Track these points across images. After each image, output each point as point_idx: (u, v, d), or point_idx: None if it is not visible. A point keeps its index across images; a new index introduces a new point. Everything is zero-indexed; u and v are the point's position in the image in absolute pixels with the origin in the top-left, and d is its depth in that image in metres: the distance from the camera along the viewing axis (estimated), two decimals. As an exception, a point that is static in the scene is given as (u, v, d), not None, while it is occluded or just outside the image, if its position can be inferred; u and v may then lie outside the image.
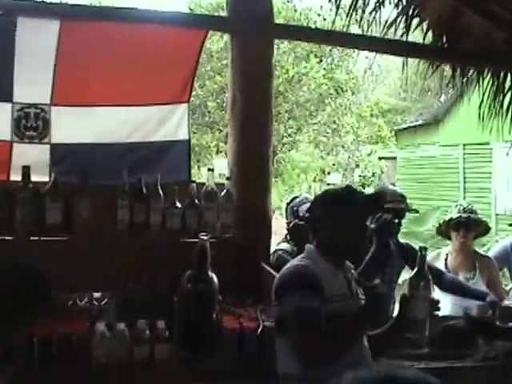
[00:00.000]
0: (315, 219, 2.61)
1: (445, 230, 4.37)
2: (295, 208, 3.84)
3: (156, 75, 3.60)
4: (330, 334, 2.31)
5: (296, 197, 4.01)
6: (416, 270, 2.53)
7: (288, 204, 3.98)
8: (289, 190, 11.77)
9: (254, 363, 2.80)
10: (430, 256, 4.81)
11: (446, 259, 4.40)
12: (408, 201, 3.94)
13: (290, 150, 12.76)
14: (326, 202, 2.61)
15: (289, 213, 3.95)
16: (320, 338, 2.29)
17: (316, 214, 2.61)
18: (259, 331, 2.81)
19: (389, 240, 3.81)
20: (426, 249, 2.60)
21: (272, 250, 3.81)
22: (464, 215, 4.19)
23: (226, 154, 12.87)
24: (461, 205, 4.35)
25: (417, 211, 4.10)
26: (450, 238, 4.41)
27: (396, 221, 3.72)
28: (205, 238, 2.80)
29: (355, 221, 2.54)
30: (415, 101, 21.85)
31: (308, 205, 3.58)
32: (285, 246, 3.84)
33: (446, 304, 4.16)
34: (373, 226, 3.69)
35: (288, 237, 3.90)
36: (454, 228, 4.27)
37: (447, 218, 4.29)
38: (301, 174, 13.59)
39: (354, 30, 4.61)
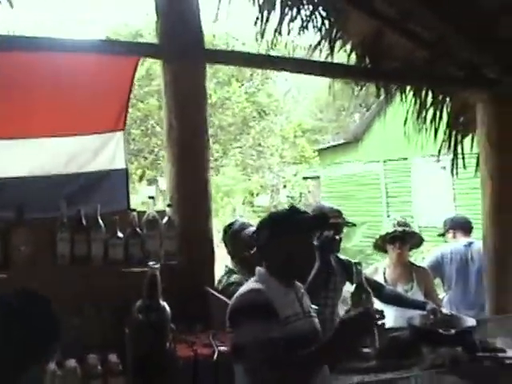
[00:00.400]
0: (263, 242, 2.59)
1: (381, 244, 4.49)
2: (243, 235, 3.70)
3: (90, 104, 3.54)
4: (291, 360, 2.29)
5: (231, 224, 3.95)
6: (355, 285, 2.57)
7: (226, 232, 3.89)
8: (213, 215, 11.73)
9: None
10: (367, 271, 4.92)
11: (384, 273, 4.51)
12: (344, 215, 4.02)
13: (217, 174, 12.78)
14: (272, 224, 2.61)
15: (232, 241, 3.86)
16: (281, 367, 2.27)
17: (263, 236, 2.59)
18: (215, 357, 2.78)
19: (330, 257, 3.88)
20: (360, 263, 2.66)
21: (217, 276, 3.77)
22: (399, 229, 4.33)
23: (149, 181, 12.67)
24: (395, 219, 4.48)
25: (354, 224, 4.18)
26: (386, 252, 4.53)
27: (337, 237, 3.79)
28: (155, 266, 2.75)
29: (302, 241, 2.56)
30: (331, 120, 22.42)
31: (251, 229, 3.59)
32: (237, 277, 3.75)
33: (389, 316, 4.25)
34: (315, 243, 3.74)
35: (236, 267, 3.81)
36: (389, 242, 4.40)
37: (383, 232, 4.41)
38: (224, 198, 13.61)
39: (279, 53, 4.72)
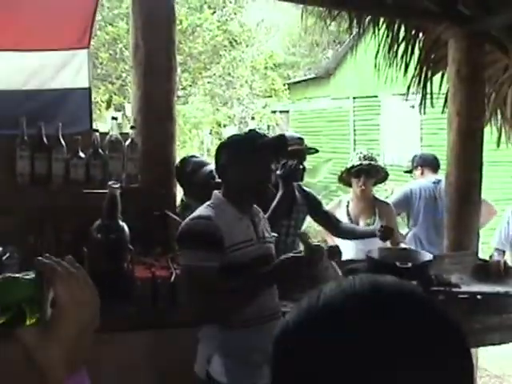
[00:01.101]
0: (222, 165, 2.60)
1: (346, 177, 4.48)
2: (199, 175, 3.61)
3: (52, 19, 3.43)
4: (231, 286, 2.35)
5: (183, 162, 3.85)
6: (305, 248, 2.59)
7: (179, 170, 3.72)
8: (181, 146, 11.65)
9: (168, 312, 2.79)
10: (331, 204, 4.96)
11: (347, 206, 4.53)
12: (305, 142, 4.01)
13: (184, 104, 12.60)
14: (232, 147, 2.61)
15: (187, 181, 3.77)
16: (210, 296, 2.33)
17: (222, 159, 2.59)
18: (172, 279, 2.79)
19: (293, 185, 3.88)
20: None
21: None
22: (365, 162, 4.32)
23: (116, 107, 12.42)
24: (361, 152, 4.47)
25: (316, 150, 4.14)
26: (350, 186, 4.54)
27: (300, 166, 3.78)
28: (115, 186, 2.73)
29: (261, 164, 2.56)
30: (304, 56, 22.15)
31: (207, 168, 3.55)
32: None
33: (350, 250, 4.34)
34: (279, 172, 3.74)
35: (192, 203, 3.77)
36: (354, 175, 4.39)
37: (349, 165, 4.40)
38: (192, 130, 13.46)
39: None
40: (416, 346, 0.72)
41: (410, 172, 5.69)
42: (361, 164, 4.32)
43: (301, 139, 3.91)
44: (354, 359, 0.71)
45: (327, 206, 4.68)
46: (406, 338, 0.72)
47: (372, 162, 4.36)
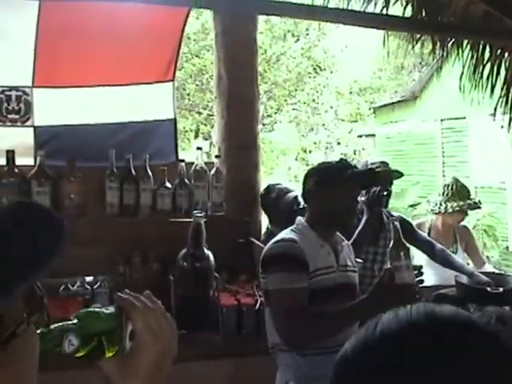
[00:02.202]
0: (308, 191, 2.60)
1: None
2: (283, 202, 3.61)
3: (140, 54, 3.56)
4: (318, 312, 2.31)
5: (268, 189, 3.87)
6: (392, 241, 2.51)
7: (263, 198, 3.73)
8: (268, 172, 11.76)
9: (253, 339, 2.80)
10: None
11: (429, 233, 4.45)
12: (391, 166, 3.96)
13: (270, 131, 12.74)
14: (321, 174, 2.60)
15: (272, 209, 3.71)
16: (302, 319, 2.29)
17: (310, 185, 2.60)
18: (257, 306, 2.80)
19: (381, 211, 3.84)
20: (397, 219, 2.65)
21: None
22: (473, 199, 4.27)
23: (204, 137, 12.71)
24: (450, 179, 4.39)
25: (401, 173, 4.07)
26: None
27: (385, 192, 3.74)
28: (199, 215, 2.78)
29: (347, 195, 2.55)
30: (390, 79, 21.91)
31: (290, 195, 3.57)
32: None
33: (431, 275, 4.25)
34: (363, 198, 3.72)
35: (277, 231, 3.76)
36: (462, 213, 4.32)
37: (457, 207, 4.31)
38: (279, 156, 13.58)
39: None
40: (474, 378, 0.71)
41: None
42: (467, 203, 4.26)
43: (384, 163, 3.86)
44: None
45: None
46: (461, 368, 0.71)
47: (475, 200, 4.32)
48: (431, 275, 4.06)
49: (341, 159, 2.81)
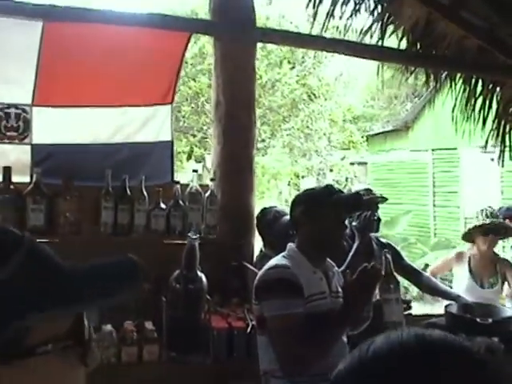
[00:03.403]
0: (296, 218, 2.62)
1: (473, 234, 4.43)
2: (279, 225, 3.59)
3: (139, 77, 3.59)
4: (311, 335, 2.31)
5: (264, 211, 3.92)
6: (384, 273, 2.55)
7: (259, 220, 3.76)
8: (259, 196, 11.79)
9: (243, 363, 2.81)
10: (449, 255, 4.92)
11: (469, 262, 4.47)
12: (375, 192, 4.02)
13: (263, 155, 12.82)
14: (307, 200, 2.62)
15: (266, 231, 3.71)
16: (301, 344, 2.30)
17: (296, 212, 2.61)
18: (249, 330, 2.82)
19: (370, 238, 3.88)
20: (389, 252, 2.69)
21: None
22: (495, 221, 4.29)
23: (196, 159, 12.73)
24: (487, 209, 4.41)
25: (385, 199, 4.10)
26: (473, 242, 4.46)
27: (375, 217, 3.78)
28: (194, 237, 2.80)
29: (335, 220, 2.55)
30: (382, 108, 22.12)
31: (286, 218, 3.58)
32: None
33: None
34: (355, 223, 3.77)
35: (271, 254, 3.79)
36: (483, 233, 4.33)
37: (477, 223, 4.34)
38: (271, 180, 13.64)
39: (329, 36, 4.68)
40: None
41: None
42: (491, 222, 4.28)
43: (368, 190, 3.92)
44: None
45: (443, 257, 4.69)
46: None
47: (500, 221, 4.35)
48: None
49: (326, 185, 2.82)
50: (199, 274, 2.81)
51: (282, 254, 2.61)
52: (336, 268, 2.73)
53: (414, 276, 4.10)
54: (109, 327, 2.92)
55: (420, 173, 13.89)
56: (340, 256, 2.83)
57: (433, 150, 13.45)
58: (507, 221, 5.35)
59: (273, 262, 2.55)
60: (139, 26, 3.54)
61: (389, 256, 2.63)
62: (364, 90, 22.17)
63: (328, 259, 2.67)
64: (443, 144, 12.57)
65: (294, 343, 2.30)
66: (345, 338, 2.52)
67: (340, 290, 2.63)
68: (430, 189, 13.53)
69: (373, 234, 4.04)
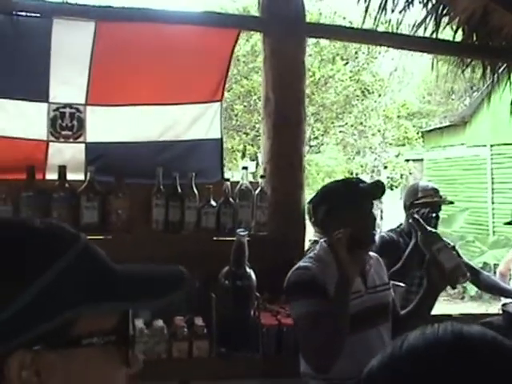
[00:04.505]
0: (321, 220, 2.56)
1: None
2: None
3: (189, 75, 3.62)
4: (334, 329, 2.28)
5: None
6: (420, 231, 2.63)
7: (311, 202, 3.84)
8: (312, 194, 11.73)
9: (292, 360, 2.79)
10: (509, 255, 4.89)
11: None
12: (441, 193, 3.94)
13: (317, 153, 12.76)
14: (327, 201, 2.55)
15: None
16: (320, 342, 2.27)
17: (320, 215, 2.55)
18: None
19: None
20: (416, 212, 2.85)
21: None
22: None
23: (250, 157, 12.79)
24: None
25: (452, 202, 4.03)
26: None
27: (433, 215, 3.72)
28: (242, 233, 2.80)
29: (362, 213, 2.49)
30: (440, 104, 21.72)
31: None
32: None
33: None
34: (411, 220, 3.71)
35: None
36: None
37: None
38: (325, 178, 13.56)
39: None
40: None
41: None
42: None
43: (435, 190, 3.84)
44: None
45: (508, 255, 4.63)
46: None
47: None
48: None
49: (343, 178, 2.77)
50: (248, 270, 2.81)
51: (311, 254, 2.58)
52: (373, 258, 2.66)
53: (473, 274, 4.02)
54: (160, 322, 2.94)
55: (478, 169, 13.58)
56: (371, 248, 2.73)
57: (491, 145, 13.13)
58: None
59: (299, 263, 2.54)
60: (188, 24, 3.57)
61: (416, 216, 2.72)
62: (420, 86, 21.83)
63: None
64: (502, 139, 12.26)
65: (314, 340, 2.29)
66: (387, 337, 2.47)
67: (378, 282, 2.58)
68: (488, 185, 13.21)
69: None
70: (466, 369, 0.73)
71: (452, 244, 2.66)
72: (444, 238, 2.62)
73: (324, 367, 2.33)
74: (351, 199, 2.47)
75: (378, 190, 2.58)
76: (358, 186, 2.53)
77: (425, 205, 3.72)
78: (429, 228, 2.62)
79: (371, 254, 2.65)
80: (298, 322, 2.40)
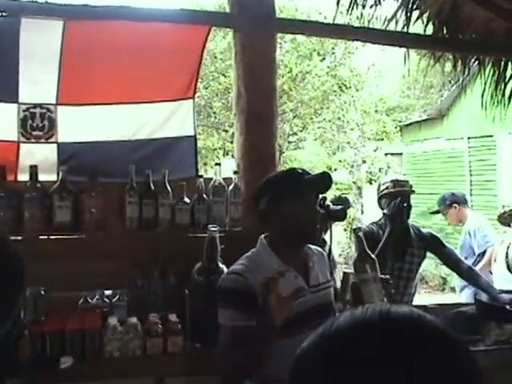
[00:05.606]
0: (263, 212, 2.44)
1: (508, 218, 4.46)
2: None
3: (160, 72, 3.61)
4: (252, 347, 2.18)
5: None
6: (357, 253, 2.45)
7: None
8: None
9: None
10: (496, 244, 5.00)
11: (508, 248, 4.50)
12: (407, 184, 4.02)
13: (295, 149, 12.79)
14: (271, 190, 2.44)
15: None
16: (236, 357, 2.19)
17: (261, 206, 2.44)
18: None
19: (408, 226, 3.87)
20: (360, 229, 2.56)
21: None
22: None
23: (232, 155, 12.83)
24: None
25: (413, 191, 4.05)
26: (509, 226, 4.51)
27: (405, 204, 3.78)
28: (214, 229, 2.81)
29: (306, 205, 2.38)
30: (419, 98, 21.81)
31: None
32: None
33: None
34: (385, 211, 3.77)
35: None
36: None
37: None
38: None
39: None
40: (417, 376, 0.73)
41: (437, 213, 5.77)
42: None
43: (395, 181, 3.95)
44: (357, 382, 0.73)
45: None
46: (405, 365, 0.74)
47: None
48: None
49: (290, 168, 2.64)
50: (220, 265, 2.82)
51: (251, 252, 2.47)
52: (317, 253, 2.57)
53: (456, 265, 4.09)
54: (134, 319, 2.95)
55: (456, 161, 13.68)
56: (314, 243, 2.60)
57: (469, 137, 13.23)
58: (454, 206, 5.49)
59: (235, 264, 2.43)
60: (158, 21, 3.57)
61: (360, 234, 2.51)
62: (398, 80, 21.92)
63: (308, 246, 2.52)
64: (480, 132, 12.36)
65: (229, 353, 2.25)
66: None
67: (321, 280, 2.48)
68: (466, 178, 13.31)
69: (413, 224, 4.05)
70: (392, 348, 0.74)
71: (385, 277, 2.55)
72: (377, 268, 2.46)
73: (234, 381, 2.29)
74: (293, 190, 2.37)
75: (322, 181, 2.46)
76: (302, 176, 2.42)
77: (387, 196, 3.81)
78: (367, 251, 2.45)
79: (314, 248, 2.55)
80: (222, 331, 2.32)
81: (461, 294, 5.29)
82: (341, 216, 3.00)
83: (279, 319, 2.11)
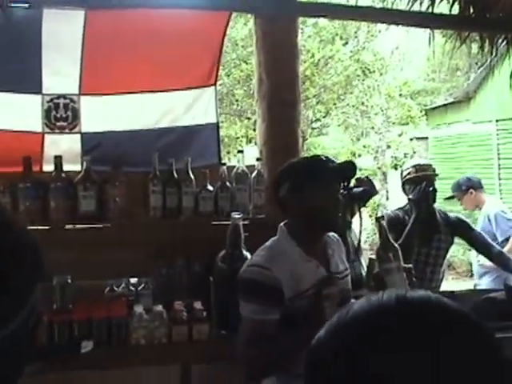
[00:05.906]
0: (283, 199, 2.39)
1: None
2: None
3: (182, 60, 3.61)
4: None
5: None
6: (380, 242, 2.41)
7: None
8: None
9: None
10: None
11: None
12: (431, 168, 3.99)
13: (319, 135, 12.72)
14: (293, 176, 2.39)
15: None
16: (261, 350, 2.19)
17: (282, 192, 2.39)
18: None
19: (434, 212, 3.84)
20: (382, 217, 2.51)
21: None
22: None
23: (255, 142, 12.81)
24: None
25: (436, 174, 4.00)
26: None
27: (430, 188, 3.74)
28: (237, 216, 2.81)
29: (329, 193, 2.33)
30: (444, 81, 21.52)
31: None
32: None
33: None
34: (410, 196, 3.74)
35: None
36: None
37: None
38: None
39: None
40: (442, 360, 0.71)
41: (451, 198, 5.67)
42: None
43: (417, 166, 3.91)
44: (376, 368, 0.72)
45: None
46: (429, 349, 0.72)
47: None
48: None
49: (314, 155, 2.59)
50: (244, 252, 2.82)
51: (271, 241, 2.43)
52: (335, 241, 2.52)
53: (487, 249, 4.05)
54: (159, 307, 2.96)
55: (484, 145, 13.48)
56: (336, 232, 2.55)
57: (497, 120, 13.02)
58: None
59: (256, 255, 2.40)
60: (177, 8, 3.55)
61: (384, 223, 2.47)
62: (425, 63, 21.65)
63: (330, 235, 2.48)
64: (508, 114, 12.15)
65: (253, 346, 2.24)
66: None
67: (341, 268, 2.46)
68: (494, 161, 13.12)
69: (439, 208, 4.01)
70: (414, 332, 0.72)
71: (408, 266, 2.50)
72: (400, 257, 2.41)
73: (254, 379, 2.28)
74: (316, 178, 2.32)
75: (347, 170, 2.43)
76: (326, 164, 2.38)
77: (410, 181, 3.79)
78: (391, 240, 2.41)
79: (332, 235, 2.51)
80: (244, 323, 2.30)
81: (480, 281, 5.23)
82: (364, 198, 2.96)
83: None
